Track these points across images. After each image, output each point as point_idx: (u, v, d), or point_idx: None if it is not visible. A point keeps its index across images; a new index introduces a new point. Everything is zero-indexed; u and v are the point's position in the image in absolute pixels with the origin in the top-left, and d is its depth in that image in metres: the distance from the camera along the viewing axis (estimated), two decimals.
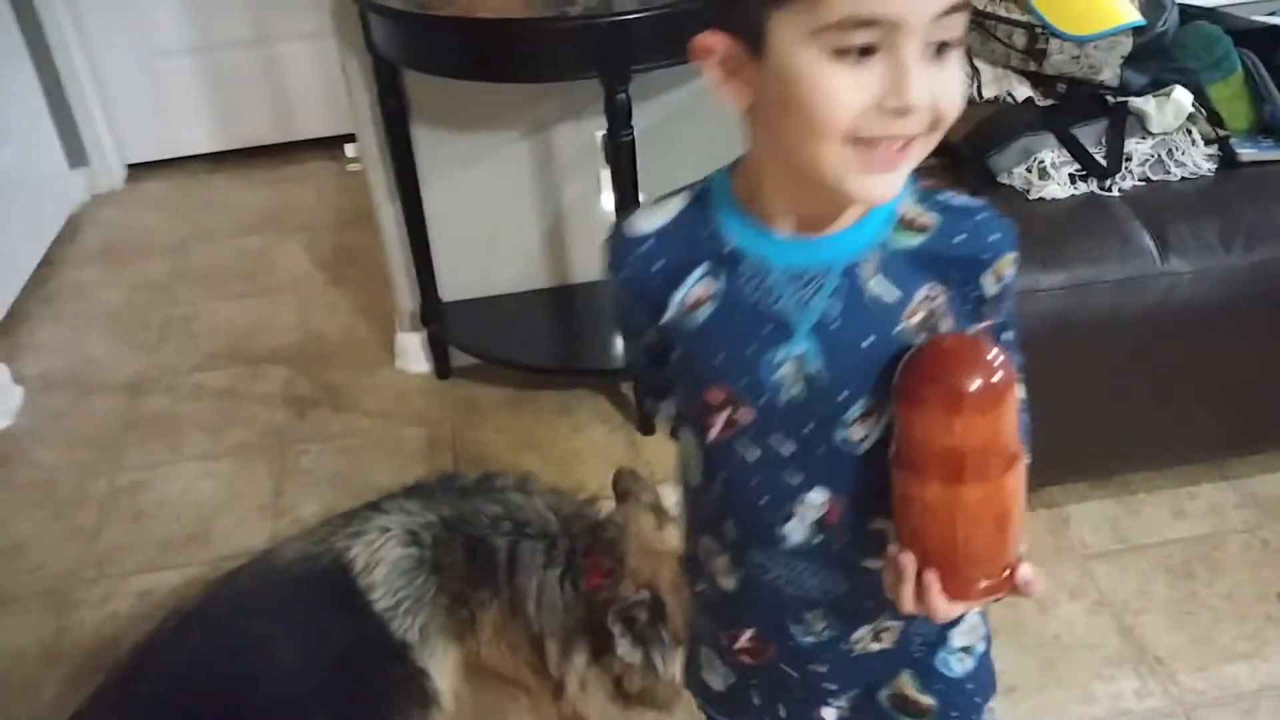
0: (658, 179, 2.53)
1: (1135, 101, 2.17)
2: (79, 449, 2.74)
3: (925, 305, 0.98)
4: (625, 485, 2.07)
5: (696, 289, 1.00)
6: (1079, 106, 2.19)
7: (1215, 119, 2.22)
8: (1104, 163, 2.12)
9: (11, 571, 2.41)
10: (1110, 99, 2.20)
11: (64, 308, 3.34)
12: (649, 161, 2.31)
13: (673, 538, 1.99)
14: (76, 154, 3.87)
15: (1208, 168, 2.17)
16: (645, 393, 1.30)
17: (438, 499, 1.97)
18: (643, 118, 2.29)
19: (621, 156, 2.27)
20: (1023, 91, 2.24)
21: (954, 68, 0.88)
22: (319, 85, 3.90)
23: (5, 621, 2.29)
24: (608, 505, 2.04)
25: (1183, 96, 2.15)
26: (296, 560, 1.87)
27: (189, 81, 3.94)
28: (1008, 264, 1.00)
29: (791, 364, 0.99)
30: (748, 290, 0.99)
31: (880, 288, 0.97)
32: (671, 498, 2.18)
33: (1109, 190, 2.11)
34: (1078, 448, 2.17)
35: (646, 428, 2.61)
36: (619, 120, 2.21)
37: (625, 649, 1.91)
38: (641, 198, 2.55)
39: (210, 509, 2.51)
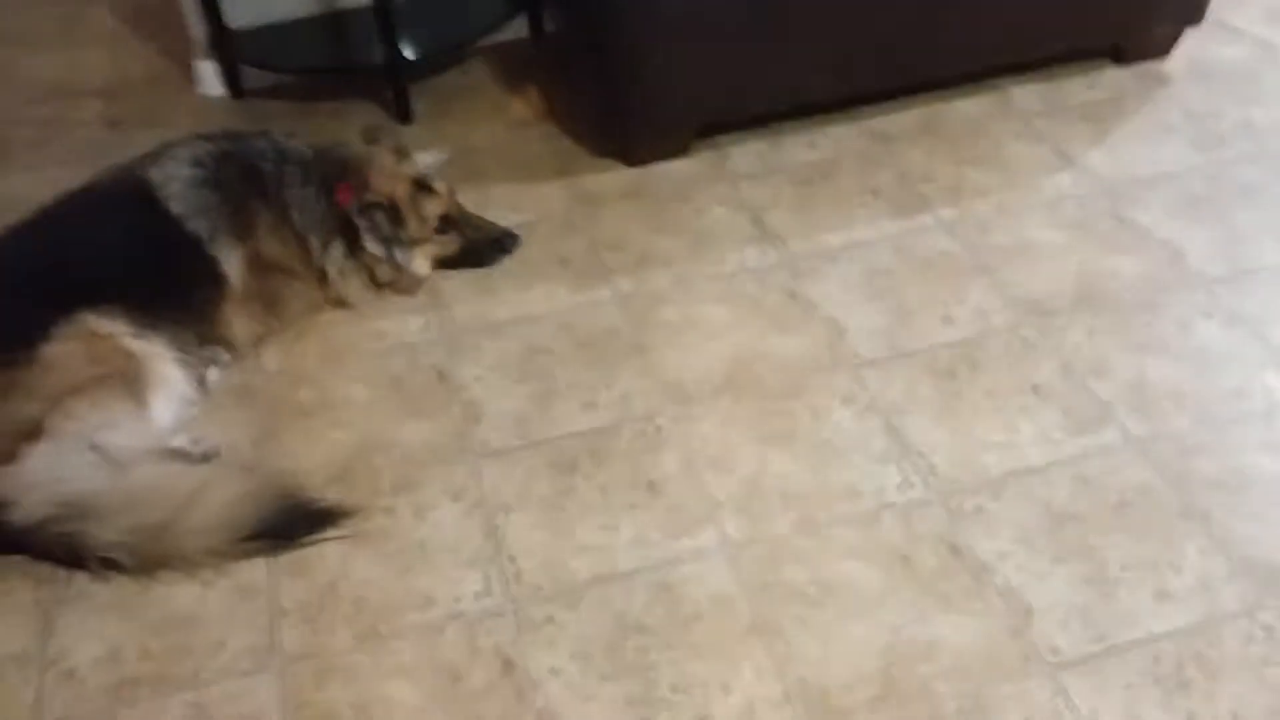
0: None
1: None
2: None
3: None
4: (373, 133, 2.67)
5: None
6: None
7: None
8: None
9: None
10: None
11: None
12: None
13: (410, 169, 2.60)
14: None
15: None
16: None
17: (219, 139, 2.55)
18: None
19: None
20: None
21: None
22: None
23: None
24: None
25: None
26: (108, 182, 2.45)
27: None
28: None
29: None
30: None
31: None
32: (426, 158, 2.77)
33: None
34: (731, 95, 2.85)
35: (405, 118, 3.19)
36: None
37: (370, 243, 2.54)
38: None
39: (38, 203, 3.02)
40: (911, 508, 2.07)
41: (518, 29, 3.45)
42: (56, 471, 2.09)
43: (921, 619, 1.90)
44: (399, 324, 2.56)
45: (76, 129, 3.32)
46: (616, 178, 2.92)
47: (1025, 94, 3.11)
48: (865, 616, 1.91)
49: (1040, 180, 2.82)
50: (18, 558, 2.09)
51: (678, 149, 2.94)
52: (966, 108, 3.08)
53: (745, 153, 2.97)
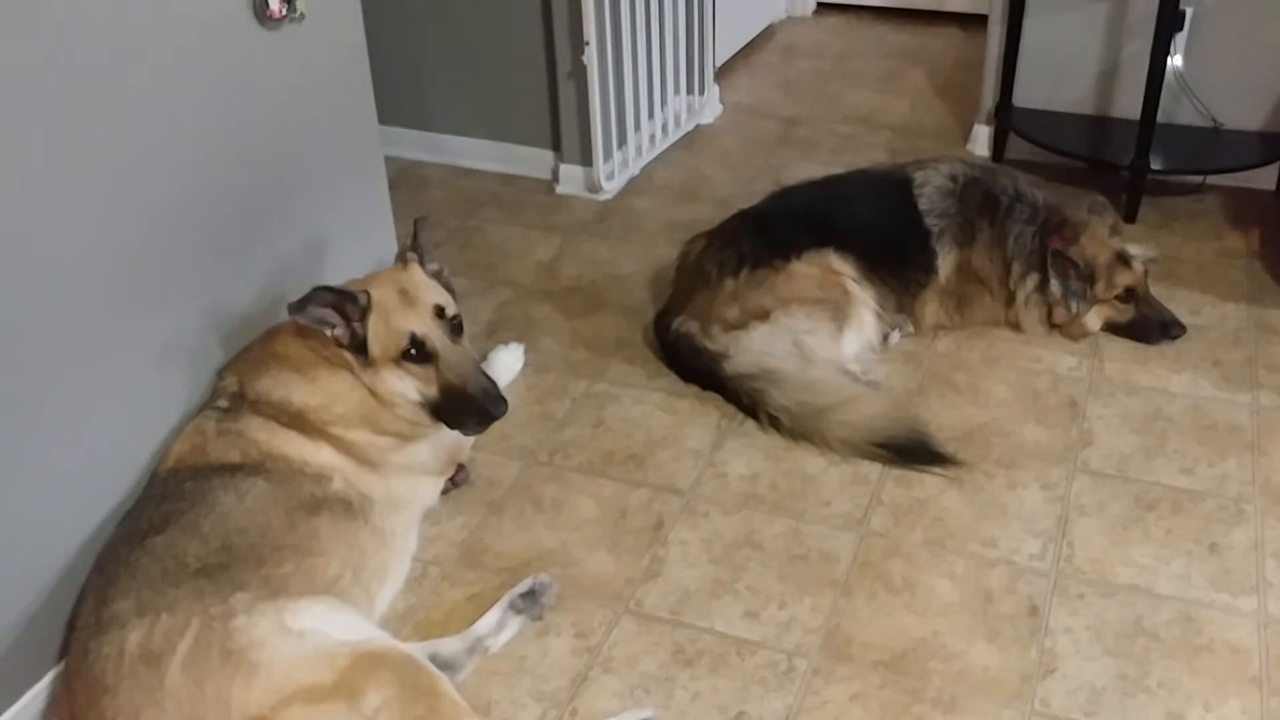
0: None
1: None
2: (748, 143, 4.20)
3: None
4: (1098, 207, 3.13)
5: None
6: None
7: None
8: None
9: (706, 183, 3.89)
10: None
11: (757, 71, 4.84)
12: None
13: (1117, 243, 3.03)
14: None
15: None
16: None
17: (974, 167, 3.16)
18: None
19: None
20: None
21: None
22: None
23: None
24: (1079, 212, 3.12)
25: None
26: (881, 170, 3.17)
27: None
28: None
29: None
30: None
31: None
32: (1134, 247, 3.17)
33: None
34: None
35: (1130, 218, 3.58)
36: None
37: (1054, 286, 3.00)
38: None
39: None
40: None
41: (1263, 179, 3.71)
42: (766, 347, 2.81)
43: None
44: (1055, 357, 2.99)
45: (864, 148, 4.13)
46: None
47: None
48: None
49: None
50: (716, 395, 2.84)
51: None
52: None
53: None
